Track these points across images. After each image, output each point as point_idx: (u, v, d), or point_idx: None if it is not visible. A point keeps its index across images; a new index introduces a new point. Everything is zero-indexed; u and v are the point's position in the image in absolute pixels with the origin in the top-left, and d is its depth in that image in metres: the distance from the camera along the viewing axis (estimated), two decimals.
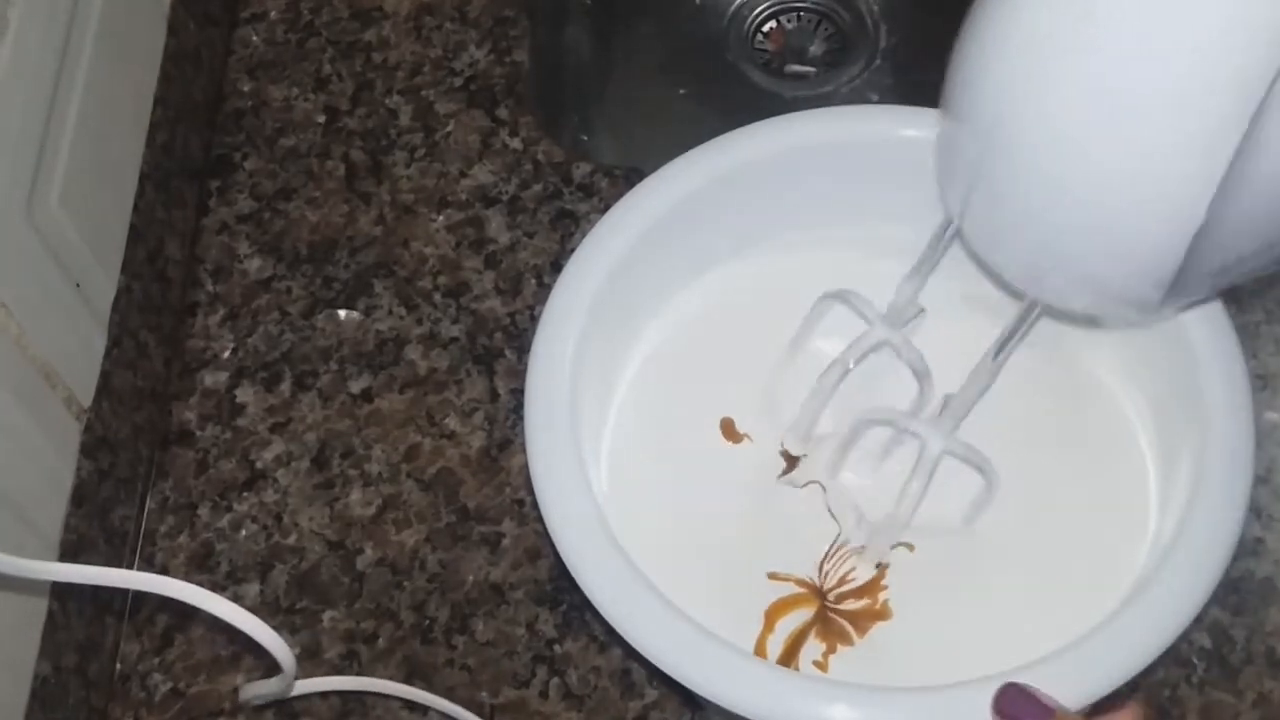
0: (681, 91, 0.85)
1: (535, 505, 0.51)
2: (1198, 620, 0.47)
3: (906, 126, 0.56)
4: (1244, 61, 0.39)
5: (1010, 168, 0.44)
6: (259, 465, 0.65)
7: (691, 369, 0.58)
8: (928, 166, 0.51)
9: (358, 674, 0.60)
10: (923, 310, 0.55)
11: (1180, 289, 0.45)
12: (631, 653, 0.48)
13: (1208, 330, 0.51)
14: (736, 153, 0.56)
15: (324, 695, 0.59)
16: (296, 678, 0.51)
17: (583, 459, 0.51)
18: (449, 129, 0.73)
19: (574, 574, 0.49)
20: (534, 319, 0.65)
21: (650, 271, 0.56)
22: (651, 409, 0.57)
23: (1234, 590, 0.60)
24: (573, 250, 0.55)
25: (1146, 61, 0.40)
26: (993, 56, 0.44)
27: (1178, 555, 0.47)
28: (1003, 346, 0.51)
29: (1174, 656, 0.58)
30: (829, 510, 0.55)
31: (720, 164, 0.56)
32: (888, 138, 0.57)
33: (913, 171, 0.54)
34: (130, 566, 0.62)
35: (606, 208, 0.56)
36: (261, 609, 0.61)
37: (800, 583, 0.54)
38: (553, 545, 0.49)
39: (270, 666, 0.49)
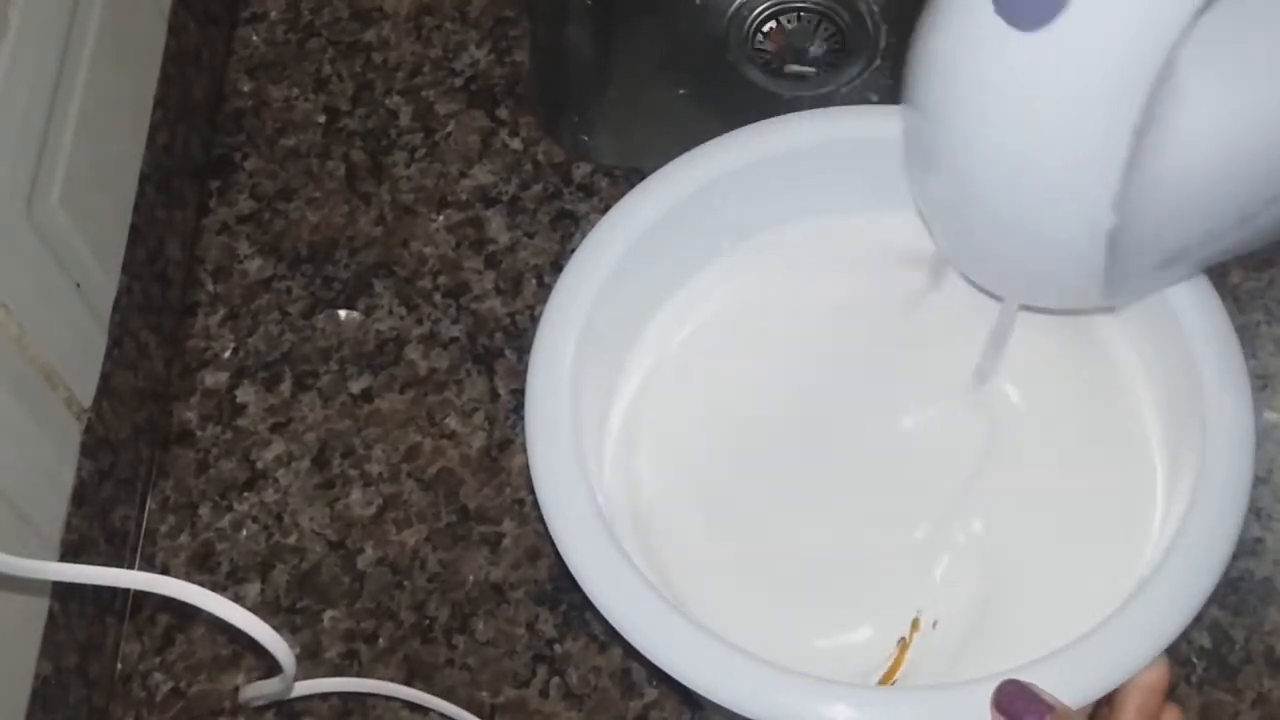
0: (681, 91, 0.85)
1: (535, 505, 0.51)
2: (1197, 620, 0.47)
3: None
4: (1122, 65, 0.41)
5: (950, 168, 0.47)
6: (259, 465, 0.65)
7: (691, 368, 0.58)
8: None
9: (358, 673, 0.60)
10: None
11: (1120, 283, 0.47)
12: (631, 652, 0.48)
13: (1206, 330, 0.51)
14: (736, 153, 0.56)
15: (324, 696, 0.59)
16: (297, 678, 0.51)
17: (583, 459, 0.51)
18: (449, 129, 0.73)
19: (574, 574, 0.49)
20: (534, 319, 0.65)
21: (651, 271, 0.56)
22: (651, 408, 0.57)
23: (1233, 590, 0.60)
24: (573, 250, 0.55)
25: (1032, 77, 0.42)
26: (926, 60, 0.46)
27: (1177, 555, 0.47)
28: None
29: (1173, 656, 0.58)
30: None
31: (720, 164, 0.56)
32: (887, 138, 0.56)
33: None
34: (131, 566, 0.62)
35: (607, 208, 0.56)
36: (262, 609, 0.61)
37: None
38: (553, 545, 0.49)
39: (271, 666, 0.50)
